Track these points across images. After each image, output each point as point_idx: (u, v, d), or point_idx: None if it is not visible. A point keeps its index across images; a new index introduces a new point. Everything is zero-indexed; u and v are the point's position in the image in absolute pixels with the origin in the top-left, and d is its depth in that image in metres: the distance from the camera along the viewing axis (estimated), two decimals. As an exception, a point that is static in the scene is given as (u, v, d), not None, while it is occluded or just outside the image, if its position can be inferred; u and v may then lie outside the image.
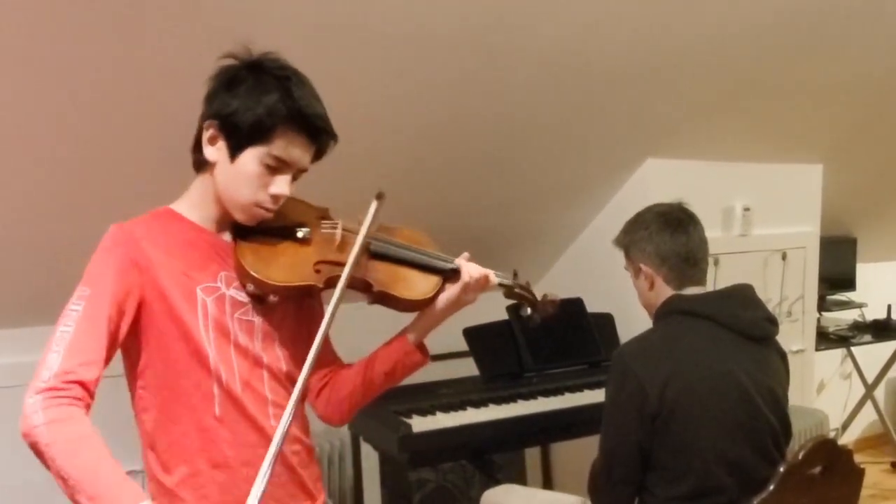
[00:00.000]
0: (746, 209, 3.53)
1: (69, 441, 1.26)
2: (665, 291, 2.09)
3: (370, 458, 3.07)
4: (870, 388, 4.69)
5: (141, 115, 2.07)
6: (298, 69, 1.48)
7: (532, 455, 3.51)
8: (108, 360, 1.37)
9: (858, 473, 2.07)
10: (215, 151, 1.44)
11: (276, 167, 1.43)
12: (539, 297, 1.81)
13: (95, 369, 1.33)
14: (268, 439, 1.46)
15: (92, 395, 1.33)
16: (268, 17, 1.95)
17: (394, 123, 2.44)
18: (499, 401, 2.69)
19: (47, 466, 1.26)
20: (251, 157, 1.41)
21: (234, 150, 1.42)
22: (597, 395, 2.70)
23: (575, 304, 3.07)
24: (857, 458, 2.09)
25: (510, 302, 1.85)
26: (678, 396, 1.90)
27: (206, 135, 1.44)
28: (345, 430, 2.97)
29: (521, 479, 3.38)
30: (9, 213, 2.18)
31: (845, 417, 4.79)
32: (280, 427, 1.28)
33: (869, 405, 4.75)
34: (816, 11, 2.72)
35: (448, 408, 2.59)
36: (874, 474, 4.56)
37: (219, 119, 1.42)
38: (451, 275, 1.60)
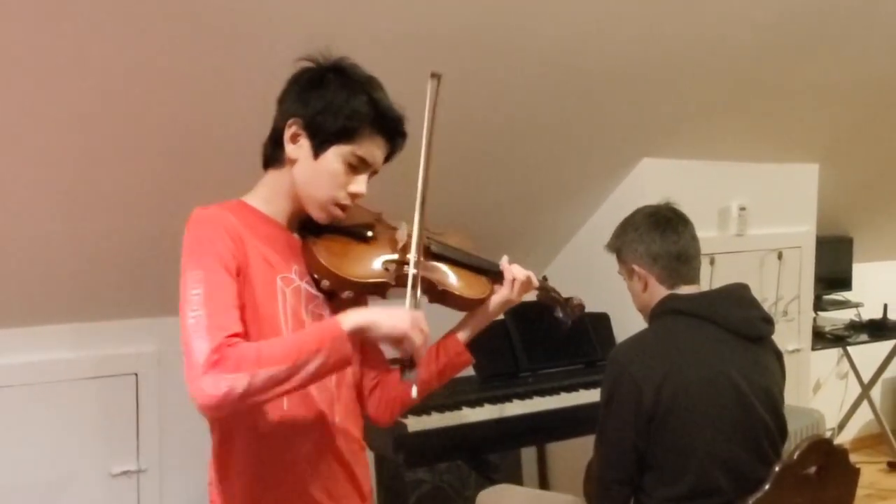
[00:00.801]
0: (742, 209, 3.53)
1: (260, 356, 1.26)
2: (659, 291, 2.09)
3: (366, 458, 3.07)
4: (866, 388, 4.71)
5: (141, 116, 2.07)
6: None
7: (528, 455, 3.51)
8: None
9: (854, 473, 2.08)
10: (297, 149, 1.47)
11: (356, 166, 1.48)
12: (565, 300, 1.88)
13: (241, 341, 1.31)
14: (331, 438, 1.48)
15: None
16: (267, 18, 1.94)
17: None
18: (494, 400, 2.69)
19: (261, 402, 1.28)
20: (335, 156, 1.46)
21: (318, 148, 1.46)
22: (593, 395, 2.70)
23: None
24: (854, 457, 2.10)
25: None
26: (674, 397, 1.90)
27: (289, 132, 1.47)
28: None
29: (517, 479, 3.38)
30: (8, 214, 2.17)
31: (841, 417, 4.80)
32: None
33: (865, 405, 4.76)
34: (816, 11, 2.73)
35: (443, 408, 2.58)
36: (871, 474, 4.57)
37: (304, 118, 1.45)
38: (497, 277, 1.68)
